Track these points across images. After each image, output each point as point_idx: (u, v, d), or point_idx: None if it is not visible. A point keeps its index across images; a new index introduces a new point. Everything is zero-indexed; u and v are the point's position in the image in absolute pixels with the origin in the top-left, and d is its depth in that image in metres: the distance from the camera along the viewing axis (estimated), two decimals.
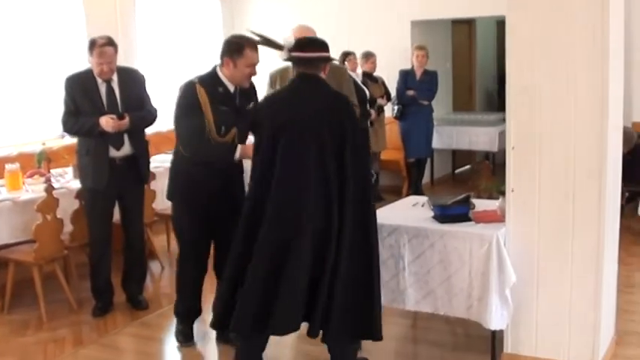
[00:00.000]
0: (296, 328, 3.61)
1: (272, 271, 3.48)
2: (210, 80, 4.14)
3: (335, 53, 7.31)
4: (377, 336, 3.62)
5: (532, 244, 3.80)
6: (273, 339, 3.77)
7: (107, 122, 4.77)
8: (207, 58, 9.34)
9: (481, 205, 4.21)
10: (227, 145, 4.09)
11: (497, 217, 3.94)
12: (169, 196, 4.43)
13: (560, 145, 3.68)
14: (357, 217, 3.50)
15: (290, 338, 4.07)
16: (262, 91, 5.44)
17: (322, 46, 3.70)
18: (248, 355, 3.71)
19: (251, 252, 3.51)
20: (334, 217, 3.46)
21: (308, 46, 3.64)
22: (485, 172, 4.91)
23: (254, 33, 4.02)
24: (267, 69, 5.34)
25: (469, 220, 3.95)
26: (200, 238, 4.32)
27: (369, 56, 8.16)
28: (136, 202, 5.20)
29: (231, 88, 4.20)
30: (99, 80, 4.86)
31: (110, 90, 4.91)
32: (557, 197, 3.72)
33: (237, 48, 4.08)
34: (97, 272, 5.12)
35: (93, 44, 4.78)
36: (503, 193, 3.92)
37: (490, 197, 4.36)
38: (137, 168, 5.07)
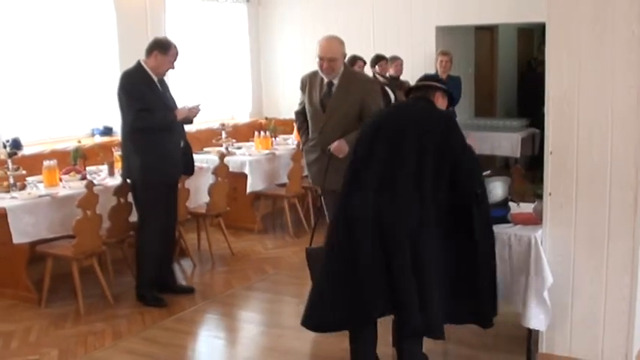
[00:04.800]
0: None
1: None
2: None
3: (360, 56, 7.43)
4: (484, 323, 3.74)
5: (568, 246, 3.88)
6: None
7: (184, 110, 5.14)
8: (233, 60, 9.49)
9: (515, 208, 4.29)
10: None
11: (534, 220, 4.03)
12: None
13: (598, 151, 3.76)
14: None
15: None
16: (296, 93, 5.57)
17: (433, 79, 4.07)
18: (359, 353, 3.86)
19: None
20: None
21: (421, 80, 4.01)
22: (516, 176, 4.97)
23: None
24: (301, 74, 5.49)
25: (508, 222, 4.04)
26: None
27: (394, 60, 8.23)
28: (177, 191, 5.55)
29: None
30: (154, 77, 5.05)
31: (163, 86, 5.18)
32: (593, 201, 3.79)
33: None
34: (158, 262, 5.32)
35: (168, 45, 5.05)
36: (540, 196, 4.01)
37: (522, 200, 4.44)
38: (188, 158, 5.39)
